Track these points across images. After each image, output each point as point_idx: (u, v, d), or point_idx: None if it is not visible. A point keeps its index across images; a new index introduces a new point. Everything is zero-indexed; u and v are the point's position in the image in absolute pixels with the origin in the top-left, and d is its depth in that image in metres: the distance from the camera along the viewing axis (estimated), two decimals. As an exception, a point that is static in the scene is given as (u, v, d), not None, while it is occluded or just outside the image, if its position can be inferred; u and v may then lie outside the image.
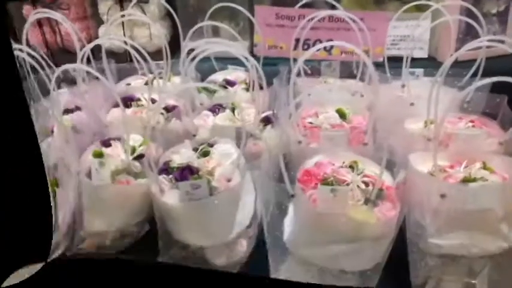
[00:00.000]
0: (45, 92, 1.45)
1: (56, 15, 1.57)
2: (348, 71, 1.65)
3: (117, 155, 1.20)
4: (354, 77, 1.67)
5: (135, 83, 1.61)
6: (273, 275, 1.09)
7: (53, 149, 1.26)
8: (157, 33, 1.72)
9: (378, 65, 1.59)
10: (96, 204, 1.16)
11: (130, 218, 1.20)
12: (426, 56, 1.74)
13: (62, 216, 1.15)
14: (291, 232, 1.07)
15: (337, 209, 0.95)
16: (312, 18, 1.37)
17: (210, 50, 1.27)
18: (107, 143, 1.25)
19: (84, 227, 1.19)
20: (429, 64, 1.66)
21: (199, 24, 1.49)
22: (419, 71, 1.61)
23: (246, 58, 1.23)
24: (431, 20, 1.65)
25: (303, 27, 1.40)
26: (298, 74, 1.60)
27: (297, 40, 1.57)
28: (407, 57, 1.41)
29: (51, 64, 1.46)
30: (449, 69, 1.56)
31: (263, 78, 1.40)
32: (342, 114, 1.35)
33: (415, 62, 1.61)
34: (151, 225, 1.22)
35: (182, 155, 1.14)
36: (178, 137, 1.33)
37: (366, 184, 1.01)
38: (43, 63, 1.38)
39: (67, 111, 1.47)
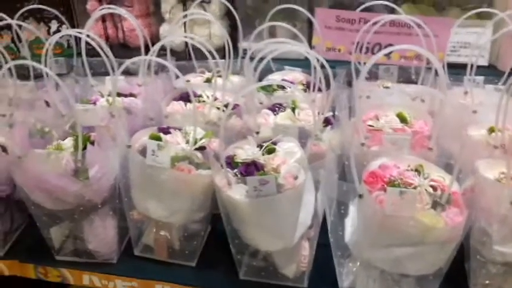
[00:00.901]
0: (94, 74, 1.62)
1: (121, 11, 1.64)
2: (405, 75, 1.65)
3: (176, 142, 1.23)
4: (411, 81, 1.67)
5: (195, 80, 1.66)
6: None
7: (92, 115, 1.38)
8: (218, 33, 1.76)
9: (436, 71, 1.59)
10: (153, 187, 1.19)
11: (193, 211, 1.23)
12: (487, 64, 1.72)
13: (94, 171, 1.18)
14: (353, 233, 1.09)
15: (405, 211, 0.95)
16: (376, 22, 1.38)
17: (278, 51, 1.29)
18: (165, 131, 1.28)
19: (135, 205, 1.24)
20: (489, 72, 1.64)
21: (261, 26, 1.52)
22: (480, 78, 1.59)
23: (316, 58, 1.23)
24: (493, 27, 1.63)
25: (367, 30, 1.40)
26: (357, 77, 1.62)
27: (355, 43, 1.58)
28: (471, 65, 1.40)
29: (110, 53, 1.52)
30: (509, 78, 1.55)
31: (322, 80, 1.41)
32: (402, 119, 1.35)
33: (475, 69, 1.60)
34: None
35: (246, 151, 1.17)
36: (238, 134, 1.36)
37: (434, 188, 1.01)
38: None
39: (119, 95, 1.52)
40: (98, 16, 1.61)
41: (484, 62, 1.70)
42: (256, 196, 1.04)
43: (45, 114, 1.45)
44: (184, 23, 1.72)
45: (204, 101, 1.45)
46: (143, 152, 1.18)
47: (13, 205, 1.40)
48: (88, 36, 1.37)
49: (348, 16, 1.66)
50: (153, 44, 1.49)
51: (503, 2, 1.69)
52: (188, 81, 1.66)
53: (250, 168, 1.09)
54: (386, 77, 1.64)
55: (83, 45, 1.56)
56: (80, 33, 1.41)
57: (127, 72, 1.85)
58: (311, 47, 1.83)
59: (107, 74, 1.79)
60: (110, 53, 1.49)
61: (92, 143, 1.23)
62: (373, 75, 1.65)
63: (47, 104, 1.47)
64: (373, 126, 1.33)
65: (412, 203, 0.96)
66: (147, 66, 1.61)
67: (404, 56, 1.62)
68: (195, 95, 1.49)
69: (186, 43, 1.62)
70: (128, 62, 1.23)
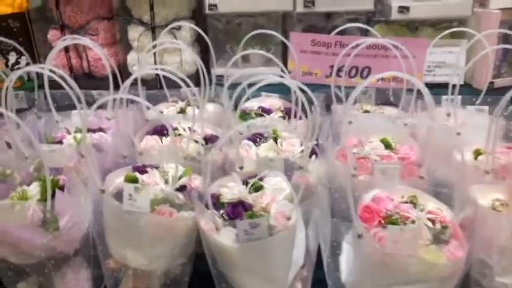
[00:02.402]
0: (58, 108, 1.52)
1: (86, 40, 1.54)
2: (383, 97, 1.62)
3: (154, 183, 1.15)
4: (389, 103, 1.65)
5: (168, 111, 1.57)
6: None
7: (59, 155, 1.27)
8: (190, 60, 1.69)
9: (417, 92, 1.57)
10: (131, 233, 1.09)
11: (175, 256, 1.14)
12: (462, 83, 1.72)
13: (65, 220, 1.08)
14: (350, 273, 1.03)
15: (407, 249, 0.91)
16: (357, 45, 1.34)
17: (255, 78, 1.23)
18: (141, 170, 1.20)
19: (111, 253, 1.14)
20: (465, 91, 1.63)
21: (236, 56, 1.46)
22: (458, 98, 1.59)
23: (300, 87, 1.18)
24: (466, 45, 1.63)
25: (346, 54, 1.37)
26: (337, 101, 1.58)
27: (331, 67, 1.54)
28: (453, 85, 1.39)
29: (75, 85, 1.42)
30: (484, 96, 1.56)
31: (306, 106, 1.36)
32: (387, 144, 1.31)
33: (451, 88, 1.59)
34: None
35: (232, 189, 1.09)
36: (219, 169, 1.29)
37: (432, 221, 0.97)
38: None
39: (88, 130, 1.43)
40: (60, 47, 1.51)
41: (459, 81, 1.70)
42: (247, 240, 0.96)
43: (6, 156, 1.34)
44: (154, 52, 1.64)
45: (180, 134, 1.37)
46: (118, 196, 1.09)
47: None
48: (51, 71, 1.26)
49: (324, 39, 1.63)
50: (120, 73, 1.41)
51: (475, 20, 1.70)
52: (161, 112, 1.57)
53: (238, 209, 1.02)
54: (364, 99, 1.61)
55: (45, 79, 1.45)
56: (42, 68, 1.31)
57: (91, 104, 1.77)
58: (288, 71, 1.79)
59: (72, 107, 1.69)
60: (75, 85, 1.39)
61: (61, 188, 1.13)
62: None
63: (8, 145, 1.35)
64: (359, 153, 1.29)
65: (413, 240, 0.91)
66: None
67: (382, 78, 1.59)
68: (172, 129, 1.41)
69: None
70: (100, 102, 1.15)
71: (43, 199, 1.11)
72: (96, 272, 1.21)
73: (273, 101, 1.60)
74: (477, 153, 1.26)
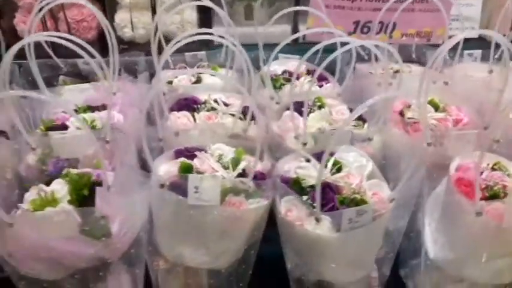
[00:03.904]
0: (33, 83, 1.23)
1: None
2: (406, 54, 1.54)
3: (211, 169, 0.98)
4: (411, 61, 1.58)
5: (180, 79, 1.36)
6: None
7: (74, 143, 1.06)
8: (191, 19, 1.47)
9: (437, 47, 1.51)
10: (192, 230, 0.95)
11: (240, 250, 1.01)
12: (476, 37, 1.68)
13: (117, 224, 0.90)
14: (445, 249, 0.96)
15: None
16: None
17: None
18: (187, 155, 1.02)
19: (163, 253, 1.01)
20: (480, 45, 1.60)
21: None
22: (477, 52, 1.56)
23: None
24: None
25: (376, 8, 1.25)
26: (363, 60, 1.47)
27: (356, 22, 1.42)
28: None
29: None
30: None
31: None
32: (435, 106, 1.24)
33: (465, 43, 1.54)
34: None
35: (308, 170, 0.96)
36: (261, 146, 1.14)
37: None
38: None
39: (91, 108, 1.24)
40: (44, 11, 1.22)
41: (474, 35, 1.66)
42: (350, 229, 0.85)
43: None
44: (153, 10, 1.40)
45: (214, 109, 1.18)
46: (174, 188, 0.92)
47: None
48: (68, 39, 1.00)
49: (348, -6, 1.48)
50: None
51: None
52: (170, 82, 1.36)
53: (329, 194, 0.90)
54: (387, 57, 1.51)
55: (32, 49, 1.17)
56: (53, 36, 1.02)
57: (79, 76, 1.49)
58: (298, 30, 1.64)
59: (51, 80, 1.42)
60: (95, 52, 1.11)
61: (97, 184, 0.92)
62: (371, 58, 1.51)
63: (5, 135, 1.08)
64: (412, 118, 1.20)
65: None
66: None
67: (406, 33, 1.50)
68: (199, 102, 1.22)
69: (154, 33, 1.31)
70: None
71: (76, 201, 0.91)
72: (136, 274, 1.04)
73: (295, 64, 1.44)
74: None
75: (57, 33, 0.99)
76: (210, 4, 1.26)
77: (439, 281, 1.00)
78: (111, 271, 1.00)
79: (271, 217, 0.99)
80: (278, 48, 1.19)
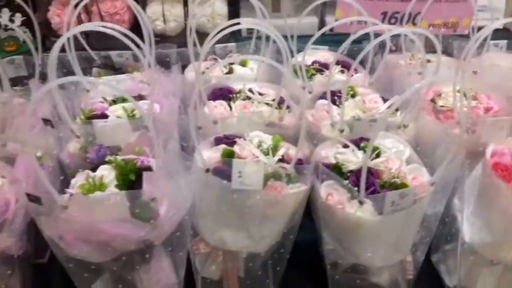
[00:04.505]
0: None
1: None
2: (432, 45, 1.55)
3: (252, 155, 1.01)
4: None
5: (209, 70, 1.38)
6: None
7: (116, 131, 1.08)
8: (222, 12, 1.50)
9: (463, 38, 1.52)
10: (235, 214, 0.98)
11: (279, 234, 1.04)
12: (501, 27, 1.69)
13: (165, 207, 0.93)
14: (482, 233, 0.98)
15: None
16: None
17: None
18: (227, 142, 1.05)
19: (204, 237, 1.04)
20: (505, 35, 1.61)
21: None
22: (503, 42, 1.57)
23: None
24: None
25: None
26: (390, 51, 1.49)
27: (384, 13, 1.44)
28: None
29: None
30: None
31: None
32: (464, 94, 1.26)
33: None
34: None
35: (348, 156, 0.99)
36: (296, 134, 1.16)
37: None
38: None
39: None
40: (81, 6, 1.24)
41: (499, 25, 1.67)
42: (392, 212, 0.88)
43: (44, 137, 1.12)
44: (185, 3, 1.42)
45: (249, 98, 1.21)
46: (218, 173, 0.95)
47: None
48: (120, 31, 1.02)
49: (375, -16, 1.50)
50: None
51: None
52: (203, 72, 1.38)
53: (370, 178, 0.92)
54: (413, 48, 1.53)
55: (71, 41, 1.21)
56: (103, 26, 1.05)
57: (112, 68, 1.52)
58: (324, 21, 1.66)
59: (85, 73, 1.45)
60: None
61: (143, 170, 0.95)
62: (398, 48, 1.53)
63: (50, 123, 1.12)
64: (444, 106, 1.22)
65: None
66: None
67: (433, 24, 1.52)
68: (233, 92, 1.25)
69: (184, 26, 1.34)
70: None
71: (123, 185, 0.94)
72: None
73: (324, 54, 1.47)
74: None
75: (103, 23, 1.01)
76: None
77: (474, 264, 1.02)
78: (154, 255, 1.04)
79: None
80: (312, 39, 1.23)
